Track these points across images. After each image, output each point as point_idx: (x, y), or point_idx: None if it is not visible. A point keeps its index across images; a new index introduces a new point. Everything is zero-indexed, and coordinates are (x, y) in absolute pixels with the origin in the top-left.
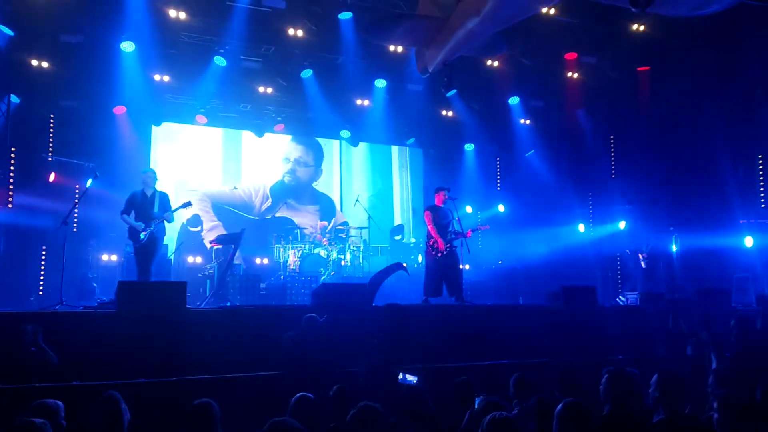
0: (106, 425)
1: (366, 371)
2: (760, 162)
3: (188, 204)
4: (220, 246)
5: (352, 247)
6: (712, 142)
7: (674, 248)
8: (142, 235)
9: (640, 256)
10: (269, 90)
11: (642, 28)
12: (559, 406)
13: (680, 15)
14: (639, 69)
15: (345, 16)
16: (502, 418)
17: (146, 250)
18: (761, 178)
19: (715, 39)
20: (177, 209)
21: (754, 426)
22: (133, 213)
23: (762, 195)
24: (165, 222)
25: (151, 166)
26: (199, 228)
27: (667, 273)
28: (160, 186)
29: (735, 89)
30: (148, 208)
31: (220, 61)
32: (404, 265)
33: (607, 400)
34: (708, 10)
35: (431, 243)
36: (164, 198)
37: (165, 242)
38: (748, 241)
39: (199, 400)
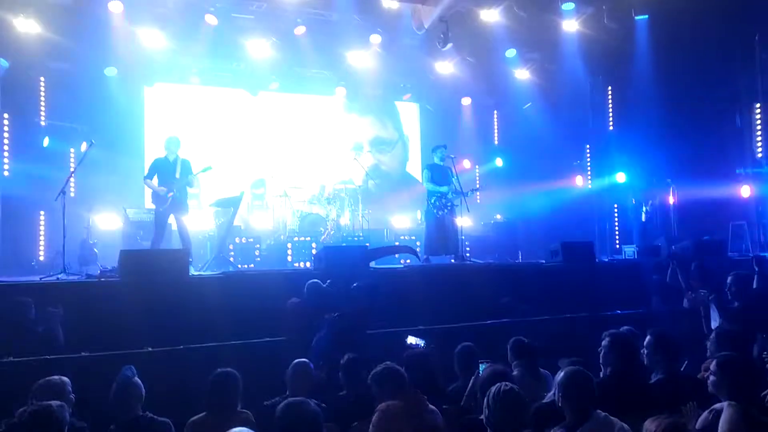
0: (124, 401)
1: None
2: (758, 112)
3: (208, 168)
4: (218, 209)
5: (351, 206)
6: (709, 92)
7: (672, 200)
8: (168, 200)
9: (645, 208)
10: (262, 48)
11: None
12: (561, 373)
13: None
14: (636, 17)
15: None
16: (507, 389)
17: (168, 214)
18: (758, 127)
19: None
20: (197, 174)
21: (750, 383)
22: (156, 178)
23: (759, 145)
24: (187, 187)
25: (145, 128)
26: (197, 190)
27: (664, 225)
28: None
29: (734, 37)
30: (170, 173)
31: (211, 19)
32: (416, 249)
33: (607, 362)
34: None
35: (432, 201)
36: (186, 164)
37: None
38: (745, 191)
39: (222, 369)
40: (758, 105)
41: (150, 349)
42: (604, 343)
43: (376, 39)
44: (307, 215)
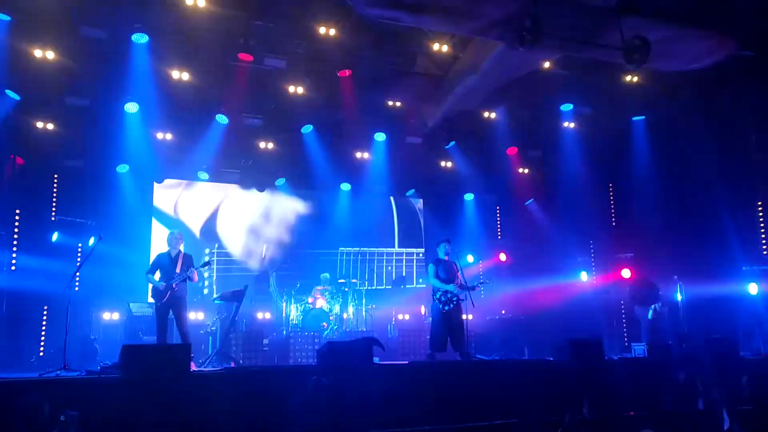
0: None
1: None
2: (760, 208)
3: (208, 264)
4: (222, 303)
5: (354, 300)
6: (710, 190)
7: (679, 297)
8: (166, 294)
9: (654, 306)
10: (270, 146)
11: (636, 79)
12: None
13: (676, 69)
14: (634, 118)
15: (344, 73)
16: None
17: (167, 311)
18: (761, 224)
19: (709, 88)
20: (196, 268)
21: None
22: (158, 273)
23: (764, 241)
24: (188, 281)
25: (154, 225)
26: (200, 284)
27: (673, 323)
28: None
29: (730, 136)
30: (171, 268)
31: (221, 119)
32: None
33: None
34: (701, 64)
35: (438, 296)
36: (188, 259)
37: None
38: (753, 288)
39: None
40: (760, 202)
41: None
42: None
43: (380, 137)
44: (311, 309)
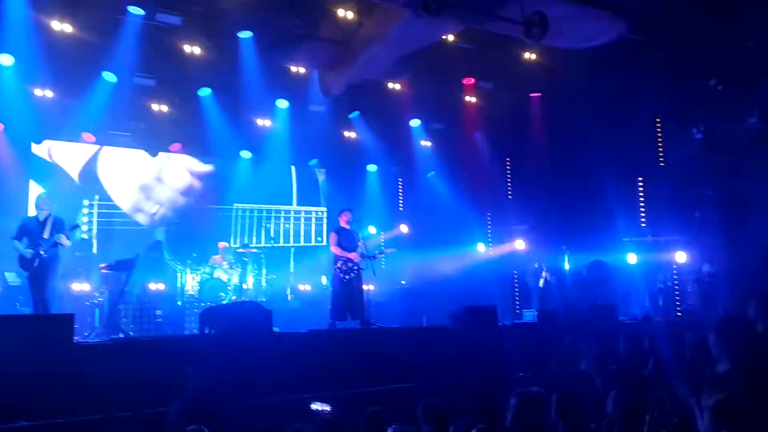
0: None
1: None
2: (641, 184)
3: (76, 227)
4: (110, 272)
5: (254, 270)
6: (598, 165)
7: (567, 267)
8: (35, 261)
9: (544, 274)
10: (164, 108)
11: (535, 56)
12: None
13: (571, 46)
14: (532, 95)
15: (245, 34)
16: None
17: (38, 278)
18: (641, 199)
19: (600, 68)
20: (65, 232)
21: None
22: (25, 239)
23: (642, 214)
24: (59, 247)
25: (31, 187)
26: (82, 254)
27: (560, 290)
28: None
29: (617, 115)
30: (38, 233)
31: (109, 77)
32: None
33: (516, 422)
34: (594, 43)
35: (338, 265)
36: (58, 222)
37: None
38: (631, 258)
39: None
40: (640, 178)
41: (23, 423)
42: (512, 402)
43: (283, 104)
44: (208, 280)
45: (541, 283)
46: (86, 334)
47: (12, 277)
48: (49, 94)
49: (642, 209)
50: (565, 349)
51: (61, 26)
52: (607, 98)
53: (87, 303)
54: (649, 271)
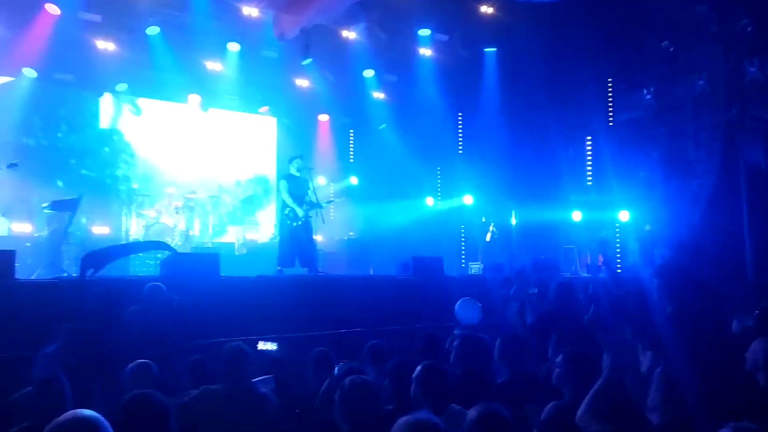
0: None
1: None
2: (589, 143)
3: (15, 165)
4: (52, 212)
5: (201, 217)
6: (548, 123)
7: (513, 221)
8: None
9: (491, 228)
10: (110, 46)
11: (491, 10)
12: (419, 367)
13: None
14: (486, 49)
15: None
16: (360, 380)
17: None
18: (588, 157)
19: (554, 26)
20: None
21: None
22: None
23: (589, 173)
24: None
25: None
26: (25, 194)
27: (506, 244)
28: None
29: (569, 74)
30: None
31: (52, 9)
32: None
33: (459, 362)
34: None
35: (286, 212)
36: None
37: None
38: (576, 215)
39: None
40: (589, 138)
41: None
42: (455, 343)
43: (234, 47)
44: (153, 224)
45: (488, 237)
46: (30, 276)
47: None
48: None
49: (589, 168)
50: (508, 300)
51: None
52: (560, 56)
53: (27, 244)
54: (592, 229)
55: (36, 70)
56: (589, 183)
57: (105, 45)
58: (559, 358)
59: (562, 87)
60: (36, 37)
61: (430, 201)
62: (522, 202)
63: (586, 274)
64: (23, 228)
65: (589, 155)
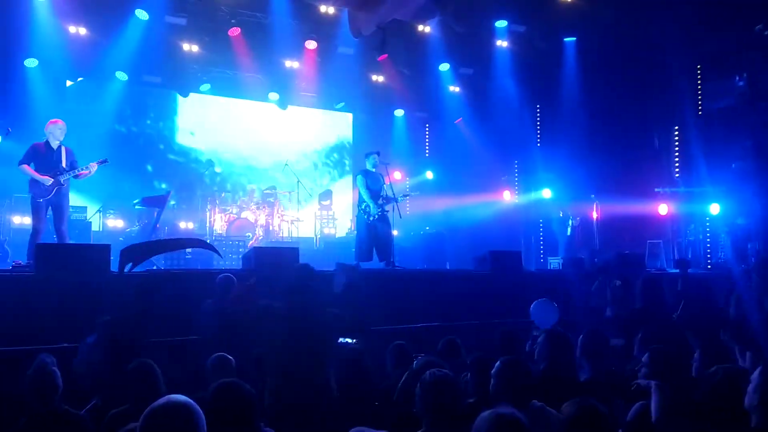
0: (39, 391)
1: None
2: (676, 133)
3: (105, 161)
4: (143, 208)
5: (280, 212)
6: (632, 114)
7: (594, 215)
8: (53, 190)
9: (570, 222)
10: (194, 48)
11: None
12: (498, 363)
13: None
14: (565, 39)
15: None
16: (441, 374)
17: (48, 206)
18: (676, 148)
19: (638, 13)
20: (96, 165)
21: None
22: (32, 165)
23: (677, 165)
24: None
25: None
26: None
27: (587, 238)
28: None
29: (655, 62)
30: (54, 161)
31: (141, 14)
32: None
33: (542, 358)
34: None
35: (363, 207)
36: (71, 152)
37: (83, 204)
38: (662, 209)
39: (138, 360)
40: (676, 128)
41: (66, 344)
42: (540, 339)
43: (311, 45)
44: (235, 219)
45: (569, 231)
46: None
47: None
48: (82, 31)
49: (676, 159)
50: (591, 296)
51: None
52: (645, 44)
53: (120, 239)
54: (680, 223)
55: (126, 73)
56: (677, 175)
57: (189, 47)
58: (645, 357)
59: (647, 75)
60: (127, 42)
61: (507, 195)
62: (604, 195)
63: (674, 270)
64: (116, 223)
65: (677, 146)
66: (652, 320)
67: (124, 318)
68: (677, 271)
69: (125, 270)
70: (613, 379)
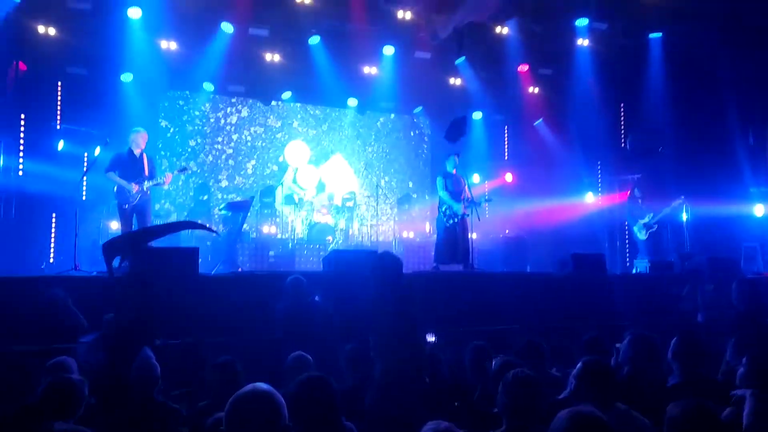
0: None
1: None
2: None
3: (186, 168)
4: (228, 213)
5: (359, 216)
6: (723, 110)
7: (684, 217)
8: (137, 197)
9: (640, 229)
10: (276, 57)
11: None
12: (579, 364)
13: None
14: (650, 35)
15: None
16: (523, 374)
17: (132, 213)
18: None
19: (727, 4)
20: (173, 172)
21: None
22: (117, 172)
23: None
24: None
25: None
26: (206, 197)
27: (676, 241)
28: None
29: (746, 56)
30: (137, 168)
31: (227, 27)
32: (200, 222)
33: (626, 361)
34: None
35: (443, 209)
36: (153, 160)
37: (172, 210)
38: (759, 210)
39: (223, 357)
40: None
41: (158, 341)
42: (624, 342)
43: (389, 50)
44: (316, 224)
45: (643, 235)
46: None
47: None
48: (173, 46)
49: None
50: (681, 300)
51: None
52: (737, 37)
53: (207, 243)
54: None
55: (213, 84)
56: None
57: (272, 57)
58: (743, 362)
59: (739, 70)
60: (213, 54)
61: (590, 197)
62: (695, 195)
63: None
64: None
65: None
66: (749, 325)
67: (129, 317)
68: None
69: (114, 265)
70: (705, 385)
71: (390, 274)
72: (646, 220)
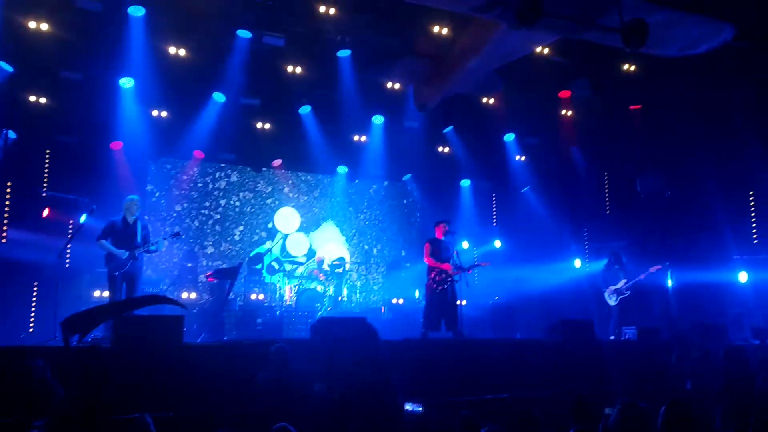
0: None
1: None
2: (752, 199)
3: (178, 234)
4: (215, 280)
5: (348, 283)
6: (704, 180)
7: (669, 283)
8: (127, 264)
9: (608, 295)
10: (267, 126)
11: (633, 67)
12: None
13: (671, 55)
14: (631, 107)
15: (344, 53)
16: None
17: (122, 280)
18: (753, 214)
19: (703, 77)
20: (166, 238)
21: None
22: (110, 240)
23: (754, 230)
24: (150, 252)
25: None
26: (191, 264)
27: (662, 308)
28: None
29: (725, 126)
30: (129, 235)
31: (219, 97)
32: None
33: (617, 430)
34: (696, 50)
35: (432, 276)
36: (146, 227)
37: (156, 278)
38: (742, 277)
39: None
40: (751, 192)
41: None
42: (614, 411)
43: (378, 120)
44: (305, 290)
45: (614, 301)
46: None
47: None
48: (164, 114)
49: (753, 224)
50: (669, 367)
51: (176, 50)
52: (712, 108)
53: (194, 311)
54: (763, 291)
55: (204, 152)
56: (756, 241)
57: (263, 125)
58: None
59: (716, 140)
60: (204, 122)
61: (577, 263)
62: (679, 262)
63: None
64: (189, 295)
65: (753, 211)
66: (736, 393)
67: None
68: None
69: (71, 342)
70: None
71: (364, 343)
72: (619, 285)
